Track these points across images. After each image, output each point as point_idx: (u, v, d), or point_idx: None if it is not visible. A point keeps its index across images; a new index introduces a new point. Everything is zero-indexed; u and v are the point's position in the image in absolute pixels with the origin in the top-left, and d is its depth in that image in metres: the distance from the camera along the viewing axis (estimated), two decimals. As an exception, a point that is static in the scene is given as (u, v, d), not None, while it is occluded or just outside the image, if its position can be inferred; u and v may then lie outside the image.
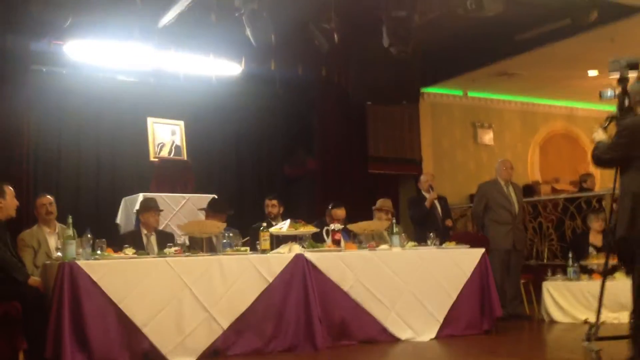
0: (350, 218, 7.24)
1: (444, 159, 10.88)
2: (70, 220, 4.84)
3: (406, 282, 5.85)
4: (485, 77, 10.09)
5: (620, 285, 5.57)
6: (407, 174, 10.06)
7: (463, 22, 7.79)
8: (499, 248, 7.29)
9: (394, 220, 6.53)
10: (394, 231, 6.16)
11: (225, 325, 5.02)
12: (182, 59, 8.02)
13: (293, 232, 5.65)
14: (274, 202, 7.24)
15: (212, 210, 6.51)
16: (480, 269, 6.23)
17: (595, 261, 6.78)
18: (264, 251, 5.44)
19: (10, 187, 5.15)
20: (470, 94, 11.14)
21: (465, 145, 11.17)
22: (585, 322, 6.11)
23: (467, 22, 7.73)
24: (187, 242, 5.84)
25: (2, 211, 5.01)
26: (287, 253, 5.46)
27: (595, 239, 7.17)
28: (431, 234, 6.43)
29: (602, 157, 4.41)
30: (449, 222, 7.81)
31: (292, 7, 7.27)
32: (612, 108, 4.45)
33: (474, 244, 6.54)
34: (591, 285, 6.56)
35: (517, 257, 7.49)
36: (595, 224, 7.20)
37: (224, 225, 5.68)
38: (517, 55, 8.95)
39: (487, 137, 11.40)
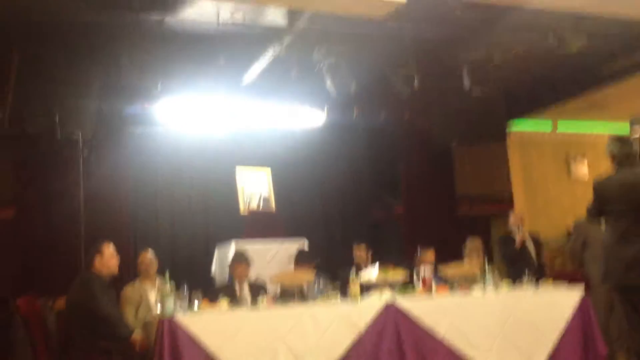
0: (441, 259, 7.16)
1: (537, 195, 10.59)
2: (167, 275, 5.03)
3: (502, 325, 5.67)
4: (574, 110, 9.84)
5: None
6: (497, 213, 9.86)
7: (546, 58, 7.68)
8: (601, 286, 6.99)
9: (486, 261, 6.41)
10: (487, 272, 6.03)
11: (320, 375, 5.03)
12: (267, 112, 8.27)
13: (383, 280, 5.64)
14: (362, 246, 7.26)
15: (299, 261, 6.62)
16: (581, 309, 5.98)
17: None
18: (354, 297, 5.44)
19: (110, 246, 5.41)
20: (560, 127, 10.87)
21: (558, 179, 10.85)
22: None
23: (551, 57, 7.62)
24: (279, 292, 5.93)
25: (103, 267, 5.27)
26: (377, 299, 5.44)
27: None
28: (526, 271, 6.27)
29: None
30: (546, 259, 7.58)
31: (371, 56, 7.39)
32: None
33: (573, 282, 6.32)
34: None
35: (620, 294, 7.15)
36: None
37: (313, 274, 5.74)
38: (606, 87, 8.70)
39: (581, 170, 11.04)
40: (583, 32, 6.84)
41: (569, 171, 10.96)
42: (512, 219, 7.73)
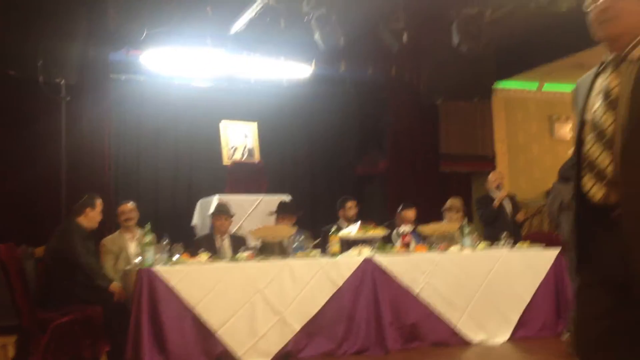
0: (424, 217, 7.22)
1: (519, 155, 10.64)
2: (148, 227, 5.05)
3: (478, 284, 5.80)
4: (561, 70, 9.79)
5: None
6: (480, 171, 9.91)
7: (536, 16, 7.59)
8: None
9: (465, 220, 6.48)
10: (465, 232, 6.11)
11: (297, 327, 5.13)
12: (254, 63, 8.17)
13: (362, 236, 5.70)
14: (354, 203, 7.27)
15: (281, 212, 6.63)
16: (556, 270, 6.11)
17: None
18: (333, 255, 5.51)
19: (100, 200, 5.40)
20: (546, 87, 10.86)
21: (541, 139, 10.89)
22: None
23: (541, 16, 7.54)
24: (259, 245, 5.97)
25: (90, 221, 5.28)
26: (356, 256, 5.52)
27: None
28: (503, 233, 6.35)
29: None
30: (520, 216, 7.63)
31: (361, 9, 7.28)
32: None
33: (549, 243, 6.41)
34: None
35: (595, 256, 7.25)
36: None
37: (294, 229, 5.78)
38: (594, 47, 8.63)
39: (565, 130, 11.07)
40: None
41: (552, 131, 11.00)
42: (491, 180, 7.73)
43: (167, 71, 8.20)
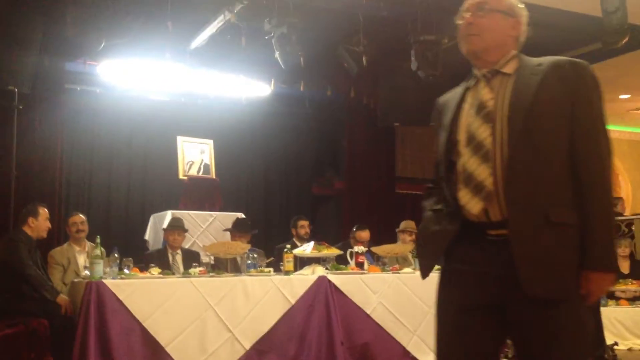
0: (378, 238, 7.27)
1: (473, 180, 10.82)
2: (98, 240, 4.96)
3: (429, 305, 5.82)
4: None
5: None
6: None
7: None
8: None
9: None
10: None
11: (248, 345, 5.07)
12: (213, 80, 8.15)
13: (317, 254, 5.70)
14: (306, 222, 7.31)
15: (236, 230, 6.60)
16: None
17: (622, 287, 6.78)
18: (287, 273, 5.49)
19: (45, 209, 5.29)
20: (500, 115, 11.09)
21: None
22: (613, 346, 6.09)
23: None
24: (212, 262, 5.91)
25: (34, 231, 5.15)
26: (310, 275, 5.50)
27: (622, 265, 7.09)
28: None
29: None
30: None
31: (322, 30, 7.35)
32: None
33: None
34: (618, 311, 6.65)
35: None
36: (620, 250, 7.10)
37: (248, 246, 5.75)
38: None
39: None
40: (529, 22, 6.93)
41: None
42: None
43: (124, 83, 8.10)
